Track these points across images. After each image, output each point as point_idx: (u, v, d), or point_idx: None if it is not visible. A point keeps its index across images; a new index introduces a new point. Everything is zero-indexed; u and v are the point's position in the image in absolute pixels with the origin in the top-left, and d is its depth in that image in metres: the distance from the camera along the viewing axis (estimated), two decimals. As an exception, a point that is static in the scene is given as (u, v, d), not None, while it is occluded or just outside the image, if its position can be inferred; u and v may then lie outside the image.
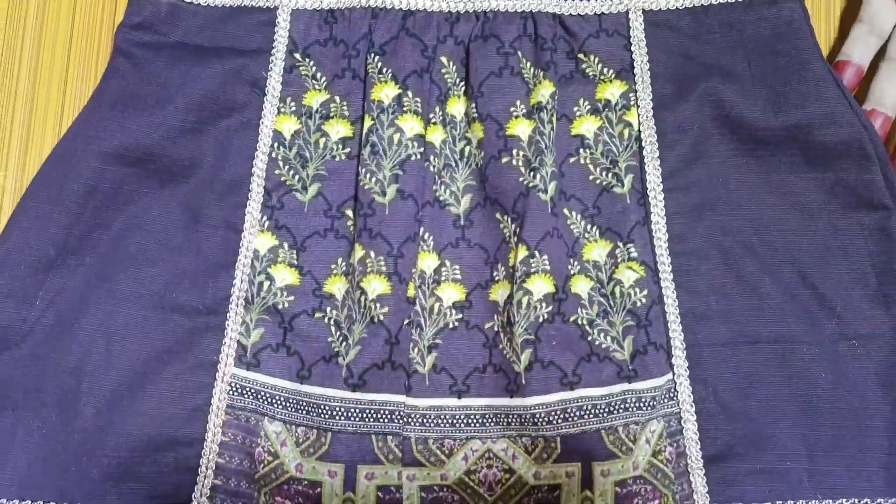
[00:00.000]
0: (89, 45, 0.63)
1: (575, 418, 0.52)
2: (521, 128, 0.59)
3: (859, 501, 0.53)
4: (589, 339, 0.54)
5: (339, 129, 0.60)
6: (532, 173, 0.57)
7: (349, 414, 0.54)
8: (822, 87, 0.57)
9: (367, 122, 0.59)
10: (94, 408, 0.54)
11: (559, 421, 0.52)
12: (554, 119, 0.58)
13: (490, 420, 0.54)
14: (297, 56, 0.61)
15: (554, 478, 0.52)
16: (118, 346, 0.55)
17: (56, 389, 0.55)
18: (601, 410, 0.53)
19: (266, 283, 0.57)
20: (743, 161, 0.58)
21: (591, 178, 0.58)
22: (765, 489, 0.53)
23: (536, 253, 0.55)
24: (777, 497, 0.54)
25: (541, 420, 0.52)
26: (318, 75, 0.60)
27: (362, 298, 0.55)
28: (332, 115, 0.60)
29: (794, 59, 0.58)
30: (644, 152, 0.59)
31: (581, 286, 0.55)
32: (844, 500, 0.53)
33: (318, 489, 0.52)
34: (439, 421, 0.55)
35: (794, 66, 0.58)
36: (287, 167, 0.58)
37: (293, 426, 0.54)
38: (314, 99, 0.60)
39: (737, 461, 0.54)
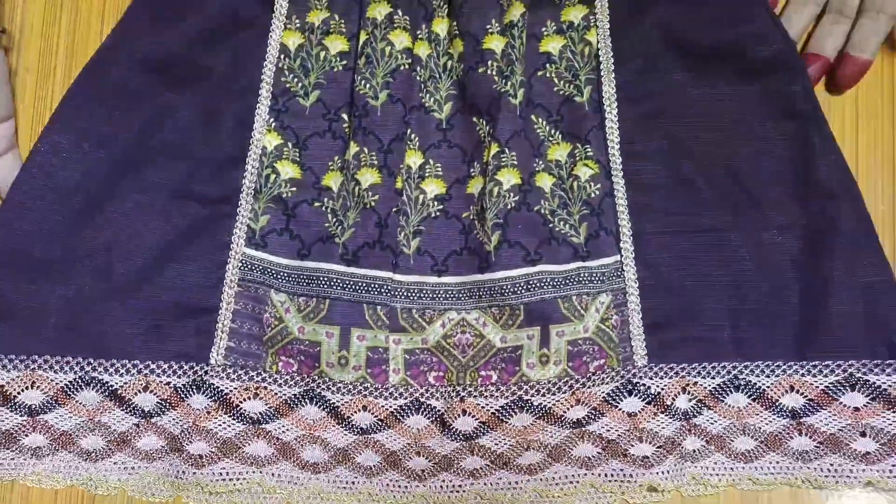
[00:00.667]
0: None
1: (535, 289, 0.60)
2: (495, 43, 0.65)
3: (773, 363, 0.60)
4: (550, 226, 0.62)
5: (337, 44, 0.66)
6: (504, 81, 0.63)
7: (344, 285, 0.62)
8: (755, 10, 0.63)
9: (363, 37, 0.65)
10: (125, 277, 0.61)
11: (522, 291, 0.60)
12: (524, 37, 0.64)
13: (464, 294, 0.62)
14: None
15: (517, 340, 0.61)
16: (144, 227, 0.62)
17: (90, 261, 0.62)
18: (558, 283, 0.61)
19: (272, 176, 0.64)
20: (687, 75, 0.64)
21: (555, 89, 0.65)
22: (694, 352, 0.61)
23: (506, 149, 0.62)
24: (704, 359, 0.61)
25: (507, 291, 0.60)
26: None
27: (356, 188, 0.62)
28: (331, 31, 0.66)
29: None
30: (601, 67, 0.65)
31: (544, 181, 0.63)
32: (760, 362, 0.60)
33: (318, 348, 0.61)
34: (421, 294, 0.62)
35: None
36: (292, 76, 0.65)
37: (295, 296, 0.61)
38: (316, 17, 0.66)
39: (672, 330, 0.61)
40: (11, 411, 0.58)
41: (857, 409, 0.59)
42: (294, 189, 0.63)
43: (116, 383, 0.59)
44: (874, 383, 0.59)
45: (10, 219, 0.60)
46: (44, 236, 0.60)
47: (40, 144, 0.62)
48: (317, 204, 0.63)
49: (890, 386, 0.58)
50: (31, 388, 0.59)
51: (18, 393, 0.58)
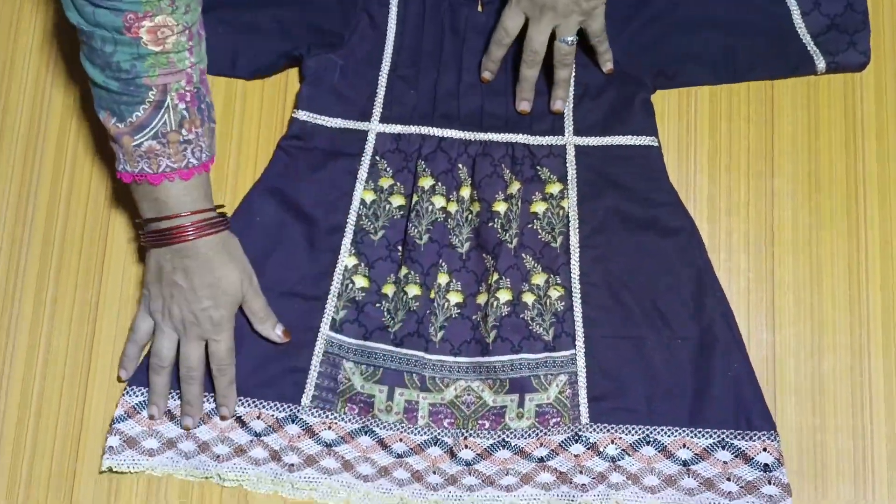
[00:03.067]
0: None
1: (517, 369, 0.82)
2: (500, 206, 0.86)
3: (673, 428, 0.80)
4: (529, 328, 0.83)
5: (397, 200, 0.86)
6: (504, 232, 0.85)
7: (392, 359, 0.83)
8: (669, 197, 0.85)
9: (415, 198, 0.85)
10: (252, 343, 0.81)
11: (508, 370, 0.82)
12: (519, 203, 0.85)
13: (471, 370, 0.83)
14: (377, 157, 0.87)
15: (503, 401, 0.82)
16: None
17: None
18: (532, 366, 0.82)
19: (350, 285, 0.84)
20: (624, 234, 0.84)
21: (538, 237, 0.85)
22: (621, 417, 0.81)
23: (503, 277, 0.84)
24: (627, 422, 0.80)
25: (499, 369, 0.82)
26: (388, 169, 0.87)
27: (404, 297, 0.84)
28: (394, 192, 0.86)
29: (652, 180, 0.86)
30: (570, 225, 0.85)
31: (528, 298, 0.84)
32: (664, 426, 0.80)
33: (372, 399, 0.82)
34: (442, 368, 0.83)
35: (650, 184, 0.86)
36: (367, 220, 0.85)
37: (359, 364, 0.82)
38: (385, 182, 0.87)
39: (606, 402, 0.81)
40: (175, 425, 0.83)
41: (725, 462, 0.80)
42: (363, 294, 0.84)
43: (241, 412, 0.81)
44: (737, 446, 0.80)
45: None
46: None
47: None
48: (377, 305, 0.84)
49: (747, 448, 0.80)
50: None
51: (181, 415, 0.83)
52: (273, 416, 0.82)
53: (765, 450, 0.81)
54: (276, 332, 0.84)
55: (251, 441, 0.82)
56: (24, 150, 0.93)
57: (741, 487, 0.80)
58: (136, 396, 0.84)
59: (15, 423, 0.87)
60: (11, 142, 0.94)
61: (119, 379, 0.85)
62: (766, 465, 0.80)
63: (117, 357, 0.87)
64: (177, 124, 0.77)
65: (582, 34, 0.89)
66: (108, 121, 0.77)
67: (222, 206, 0.83)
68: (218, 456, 0.82)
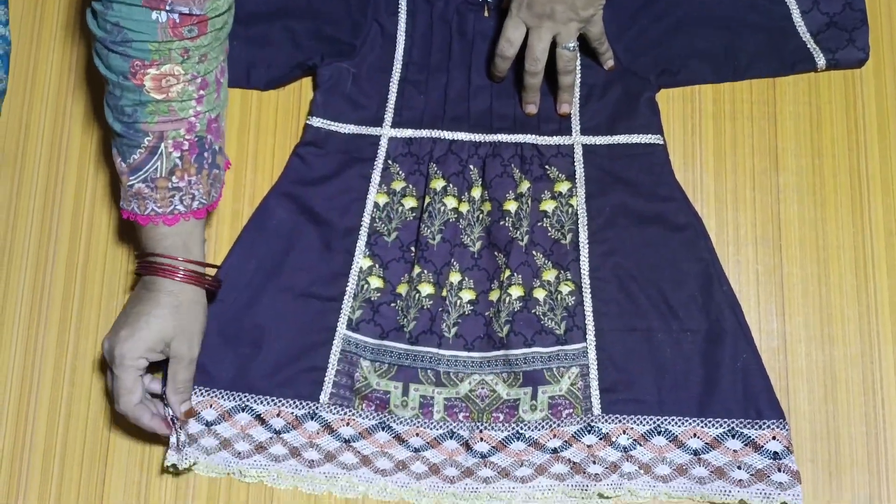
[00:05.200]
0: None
1: (530, 362, 0.84)
2: (511, 206, 0.88)
3: (683, 418, 0.81)
4: (541, 322, 0.85)
5: (409, 202, 0.89)
6: (515, 230, 0.87)
7: (407, 356, 0.85)
8: (674, 191, 0.88)
9: (427, 200, 0.88)
10: (270, 346, 0.84)
11: (521, 364, 0.84)
12: (529, 201, 0.87)
13: (484, 364, 0.85)
14: (390, 161, 0.90)
15: (516, 394, 0.84)
16: (282, 315, 0.85)
17: (248, 336, 0.85)
18: (545, 359, 0.84)
19: (365, 286, 0.87)
20: (632, 229, 0.87)
21: (548, 234, 0.87)
22: (631, 408, 0.82)
23: (514, 274, 0.86)
24: (638, 413, 0.82)
25: (512, 363, 0.84)
26: (400, 172, 0.90)
27: (417, 296, 0.87)
28: (406, 194, 0.89)
29: (658, 176, 0.88)
30: (578, 222, 0.87)
31: (539, 294, 0.86)
32: (675, 416, 0.82)
33: (388, 395, 0.85)
34: (456, 363, 0.85)
35: (656, 180, 0.88)
36: (380, 222, 0.88)
37: (375, 362, 0.85)
38: (397, 185, 0.89)
39: (617, 393, 0.83)
40: (197, 422, 0.85)
41: (735, 450, 0.81)
42: (379, 294, 0.87)
43: (260, 410, 0.84)
44: (747, 434, 0.82)
45: (217, 307, 0.86)
46: (228, 318, 0.86)
47: (226, 263, 0.87)
48: (392, 304, 0.86)
49: (757, 437, 0.81)
50: (209, 408, 0.84)
51: (201, 410, 0.85)
52: (292, 413, 0.85)
53: (774, 438, 0.82)
54: (180, 407, 0.83)
55: (271, 438, 0.84)
56: (47, 175, 0.97)
57: (751, 475, 0.81)
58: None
59: (44, 432, 0.90)
60: (34, 164, 0.98)
61: None
62: (775, 452, 0.82)
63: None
64: (167, 171, 0.79)
65: (583, 38, 0.92)
66: (116, 158, 0.81)
67: (216, 266, 0.85)
68: (239, 452, 0.84)
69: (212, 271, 0.85)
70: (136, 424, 0.82)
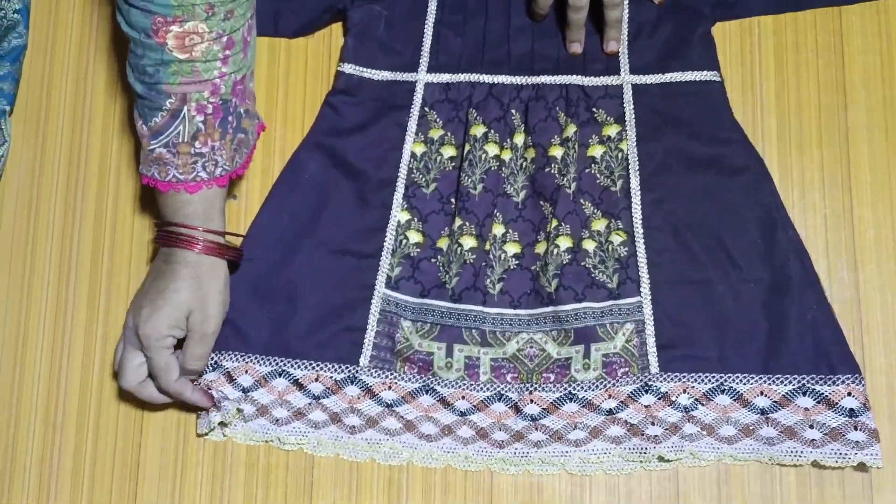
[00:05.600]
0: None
1: (581, 318, 0.80)
2: (556, 151, 0.84)
3: (748, 375, 0.77)
4: (592, 276, 0.82)
5: (448, 151, 0.86)
6: (562, 177, 0.83)
7: (450, 315, 0.82)
8: (733, 136, 0.83)
9: (467, 147, 0.85)
10: (306, 305, 0.81)
11: (572, 320, 0.80)
12: (576, 146, 0.84)
13: (532, 321, 0.82)
14: (426, 108, 0.87)
15: (568, 353, 0.81)
16: (317, 271, 0.82)
17: (283, 292, 0.82)
18: (597, 315, 0.81)
19: (404, 241, 0.84)
20: (687, 174, 0.82)
21: (597, 182, 0.84)
22: (691, 365, 0.79)
23: (562, 224, 0.83)
24: (698, 370, 0.78)
25: (562, 320, 0.81)
26: (438, 119, 0.86)
27: (459, 250, 0.83)
28: (445, 143, 0.86)
29: (715, 116, 0.84)
30: (629, 167, 0.84)
31: (589, 245, 0.83)
32: (739, 374, 0.77)
33: (431, 357, 0.82)
34: (502, 321, 0.82)
35: (713, 121, 0.84)
36: (418, 173, 0.86)
37: (417, 322, 0.82)
38: (435, 133, 0.86)
39: (676, 349, 0.79)
40: (233, 388, 0.82)
41: (806, 409, 0.76)
42: (418, 250, 0.84)
43: (298, 375, 0.81)
44: (819, 391, 0.77)
45: (249, 265, 0.83)
46: (261, 277, 0.83)
47: (258, 219, 0.85)
48: (433, 260, 0.84)
49: (830, 393, 0.76)
50: (245, 374, 0.81)
51: (237, 377, 0.82)
52: (331, 377, 0.82)
53: (850, 394, 0.77)
54: (189, 391, 0.80)
55: (310, 404, 0.82)
56: (69, 158, 0.94)
57: (825, 434, 0.76)
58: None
59: (74, 433, 0.88)
60: (56, 147, 0.95)
61: None
62: (851, 409, 0.76)
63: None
64: (190, 136, 0.76)
65: None
66: (137, 121, 0.78)
67: (239, 235, 0.84)
68: (277, 419, 0.82)
69: (233, 240, 0.82)
70: (178, 400, 0.81)
